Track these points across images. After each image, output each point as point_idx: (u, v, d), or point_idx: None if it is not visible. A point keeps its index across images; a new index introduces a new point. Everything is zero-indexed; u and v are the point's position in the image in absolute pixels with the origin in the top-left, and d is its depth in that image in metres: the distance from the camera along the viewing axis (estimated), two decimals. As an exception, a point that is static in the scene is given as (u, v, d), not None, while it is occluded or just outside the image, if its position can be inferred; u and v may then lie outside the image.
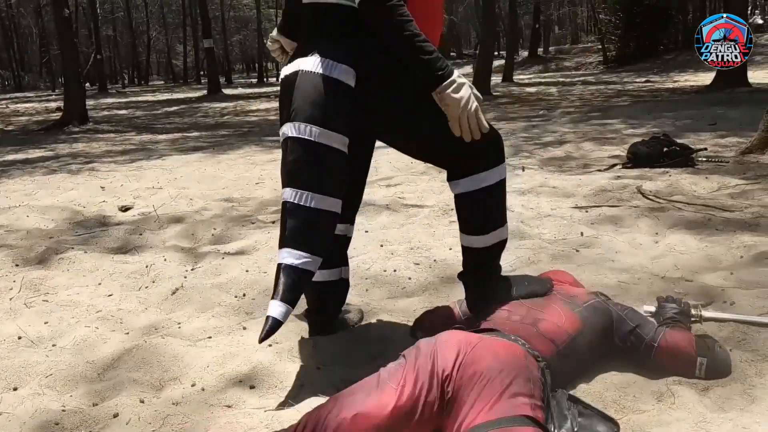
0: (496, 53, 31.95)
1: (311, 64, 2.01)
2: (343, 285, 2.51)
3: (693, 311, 2.31)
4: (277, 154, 7.92)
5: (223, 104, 19.48)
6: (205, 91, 25.11)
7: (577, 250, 3.31)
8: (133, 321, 2.78)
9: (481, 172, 2.08)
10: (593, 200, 4.32)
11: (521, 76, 25.50)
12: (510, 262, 3.17)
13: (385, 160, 6.77)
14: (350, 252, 3.55)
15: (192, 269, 3.42)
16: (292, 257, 1.99)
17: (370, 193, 4.96)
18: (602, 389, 1.97)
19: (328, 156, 2.00)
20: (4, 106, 23.40)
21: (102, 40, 37.57)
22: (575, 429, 1.62)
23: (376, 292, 2.97)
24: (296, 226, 2.01)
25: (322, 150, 1.99)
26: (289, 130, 2.03)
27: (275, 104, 18.32)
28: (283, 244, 2.02)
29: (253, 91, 26.53)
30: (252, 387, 2.14)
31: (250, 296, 3.00)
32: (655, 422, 1.79)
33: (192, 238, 4.12)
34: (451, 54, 37.48)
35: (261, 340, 1.92)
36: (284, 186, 2.06)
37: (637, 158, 5.33)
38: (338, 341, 2.40)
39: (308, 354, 2.33)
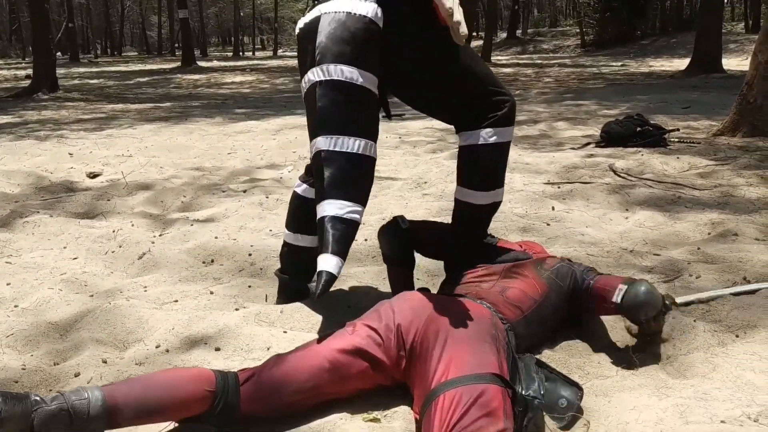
0: (474, 33, 31.87)
1: (334, 5, 1.89)
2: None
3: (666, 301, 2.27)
4: (250, 125, 7.84)
5: (197, 76, 19.20)
6: (179, 63, 24.73)
7: (548, 224, 3.32)
8: (98, 284, 2.74)
9: (501, 126, 2.12)
10: (565, 177, 4.34)
11: (499, 57, 25.50)
12: (481, 234, 3.18)
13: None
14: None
15: (160, 235, 3.37)
16: (335, 208, 1.83)
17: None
18: (567, 356, 1.98)
19: (360, 96, 1.87)
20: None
21: (74, 8, 36.73)
22: (542, 391, 1.63)
23: (348, 264, 2.94)
24: (336, 174, 1.84)
25: (354, 90, 1.86)
26: (315, 74, 1.88)
27: (250, 78, 18.12)
28: (322, 196, 1.86)
29: (228, 64, 26.20)
30: (217, 349, 2.11)
31: (218, 262, 2.97)
32: (618, 387, 1.81)
33: (161, 205, 4.06)
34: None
35: (318, 297, 1.79)
36: (314, 136, 1.91)
37: (610, 137, 5.36)
38: (305, 308, 2.38)
39: (275, 319, 2.31)
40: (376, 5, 1.88)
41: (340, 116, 1.87)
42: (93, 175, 4.98)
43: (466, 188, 2.21)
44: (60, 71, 16.73)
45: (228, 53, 41.15)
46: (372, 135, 1.91)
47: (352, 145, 1.85)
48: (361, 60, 1.86)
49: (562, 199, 3.81)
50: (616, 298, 1.94)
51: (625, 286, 1.94)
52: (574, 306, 2.08)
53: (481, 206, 2.22)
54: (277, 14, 40.68)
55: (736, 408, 1.66)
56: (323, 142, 1.86)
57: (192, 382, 1.59)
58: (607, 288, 1.99)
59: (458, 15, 1.85)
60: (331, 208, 1.83)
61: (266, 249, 3.03)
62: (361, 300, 2.46)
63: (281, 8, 42.63)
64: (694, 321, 2.11)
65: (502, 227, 3.26)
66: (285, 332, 2.21)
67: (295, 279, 2.46)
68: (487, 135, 2.12)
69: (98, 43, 51.07)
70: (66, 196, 4.26)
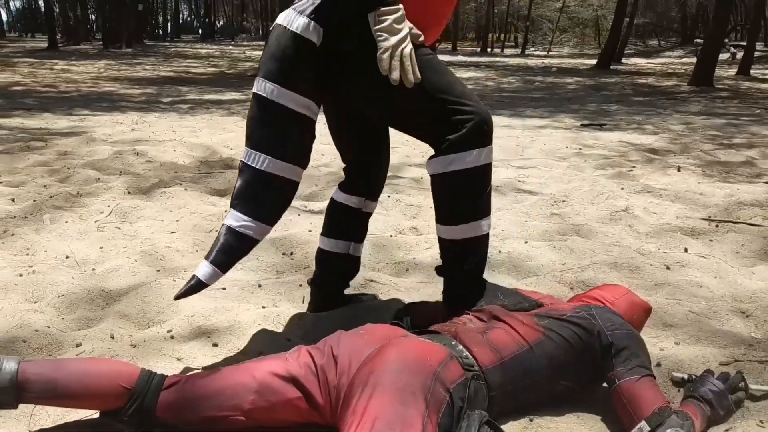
0: (745, 43, 28.69)
1: (283, 16, 1.88)
2: (349, 261, 2.33)
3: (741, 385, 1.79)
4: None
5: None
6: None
7: (668, 267, 2.83)
8: (173, 260, 2.85)
9: (453, 153, 1.86)
10: (734, 215, 3.69)
11: (765, 71, 22.74)
12: (584, 264, 2.82)
13: (541, 141, 6.38)
14: (422, 228, 3.38)
15: (265, 221, 3.43)
16: (232, 219, 1.89)
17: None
18: (563, 427, 1.65)
19: (283, 117, 1.87)
20: (241, 52, 25.49)
21: None
22: None
23: (413, 275, 2.77)
24: (242, 188, 1.90)
25: (277, 109, 1.86)
26: (254, 84, 1.93)
27: (480, 74, 18.05)
28: (230, 204, 1.94)
29: (470, 60, 26.32)
30: (215, 345, 2.09)
31: (295, 255, 2.95)
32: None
33: (291, 191, 4.15)
34: (696, 41, 34.10)
35: (176, 298, 1.86)
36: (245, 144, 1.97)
37: (821, 174, 4.47)
38: (328, 319, 2.25)
39: (292, 325, 2.23)
40: (308, 20, 1.82)
41: (258, 131, 1.89)
42: (259, 155, 5.24)
43: (436, 222, 2.02)
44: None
45: (476, 48, 41.40)
46: (286, 155, 1.89)
47: (259, 160, 1.88)
48: (286, 78, 1.84)
49: (709, 240, 3.24)
50: None
51: (646, 428, 1.51)
52: (589, 369, 1.72)
53: (454, 241, 1.96)
54: (530, 12, 40.05)
55: None
56: (244, 153, 1.92)
57: (106, 376, 1.56)
58: (631, 409, 1.58)
59: (396, 73, 1.77)
60: (229, 218, 1.90)
61: (341, 249, 2.94)
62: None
63: (538, 6, 41.88)
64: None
65: (610, 261, 2.85)
66: (288, 340, 2.11)
67: (327, 286, 2.35)
68: (440, 164, 1.89)
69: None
70: (218, 173, 4.53)
